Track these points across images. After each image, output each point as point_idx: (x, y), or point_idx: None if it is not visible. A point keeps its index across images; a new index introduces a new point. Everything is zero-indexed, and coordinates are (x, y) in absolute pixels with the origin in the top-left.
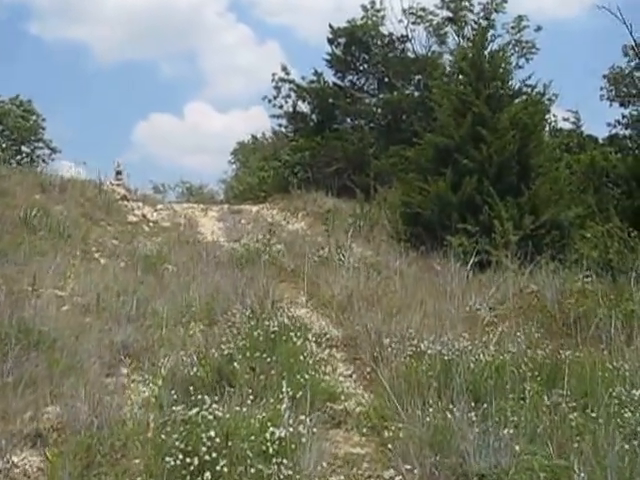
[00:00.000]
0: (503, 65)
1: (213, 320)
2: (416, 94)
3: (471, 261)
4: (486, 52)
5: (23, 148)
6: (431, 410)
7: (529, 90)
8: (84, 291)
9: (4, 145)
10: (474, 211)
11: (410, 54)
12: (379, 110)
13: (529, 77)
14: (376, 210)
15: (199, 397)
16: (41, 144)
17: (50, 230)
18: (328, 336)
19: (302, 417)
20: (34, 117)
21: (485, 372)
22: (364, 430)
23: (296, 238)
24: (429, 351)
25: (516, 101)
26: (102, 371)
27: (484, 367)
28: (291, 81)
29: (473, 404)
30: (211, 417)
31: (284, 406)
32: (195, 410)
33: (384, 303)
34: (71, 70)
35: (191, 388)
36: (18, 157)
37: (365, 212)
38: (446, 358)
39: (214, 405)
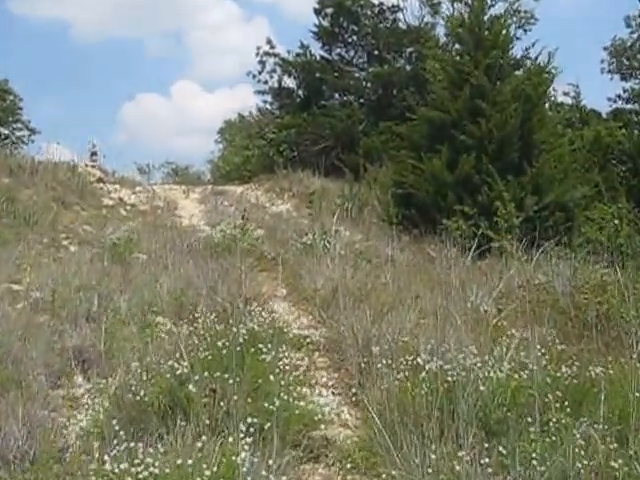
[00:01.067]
0: (504, 32)
1: (180, 317)
2: (408, 67)
3: (472, 248)
4: (485, 18)
5: (1, 129)
6: (433, 456)
7: (532, 59)
8: (43, 285)
9: None
10: (472, 191)
11: (402, 25)
12: (369, 85)
13: (533, 45)
14: (366, 190)
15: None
16: (20, 125)
17: (15, 217)
18: (308, 340)
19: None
20: (11, 97)
21: (498, 396)
22: (348, 466)
23: (279, 221)
24: (428, 366)
25: (518, 72)
26: (49, 383)
27: (496, 390)
28: (276, 55)
29: (484, 436)
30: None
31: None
32: (123, 465)
33: (373, 298)
34: (55, 49)
35: (138, 416)
36: None
37: (354, 193)
38: (449, 378)
39: (157, 446)
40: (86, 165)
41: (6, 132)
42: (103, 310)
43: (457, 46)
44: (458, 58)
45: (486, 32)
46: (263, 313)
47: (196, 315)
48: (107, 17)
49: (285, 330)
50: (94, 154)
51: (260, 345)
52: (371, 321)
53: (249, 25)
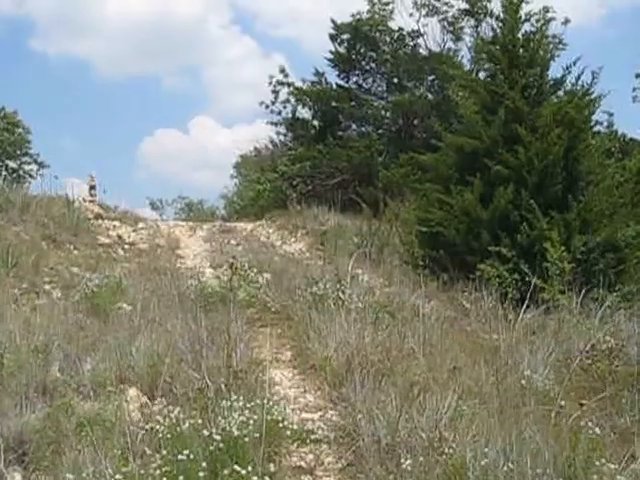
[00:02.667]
0: (541, 49)
1: (154, 395)
2: (430, 96)
3: (514, 297)
4: (519, 34)
5: (10, 164)
6: None
7: (572, 80)
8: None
9: None
10: (509, 230)
11: (422, 51)
12: (388, 114)
13: (574, 63)
14: (386, 228)
15: None
16: (28, 158)
17: None
18: (314, 436)
19: None
20: (20, 130)
21: None
22: None
23: (289, 263)
24: None
25: (558, 94)
26: None
27: None
28: (290, 84)
29: None
30: None
31: None
32: None
33: (399, 371)
34: (74, 86)
35: None
36: (4, 173)
37: (373, 231)
38: None
39: None
40: (84, 200)
41: (14, 166)
42: (65, 378)
43: (487, 65)
44: (489, 79)
45: (521, 49)
46: (255, 391)
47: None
48: (126, 54)
49: (283, 421)
50: (93, 188)
51: (238, 465)
52: (397, 407)
53: (267, 60)
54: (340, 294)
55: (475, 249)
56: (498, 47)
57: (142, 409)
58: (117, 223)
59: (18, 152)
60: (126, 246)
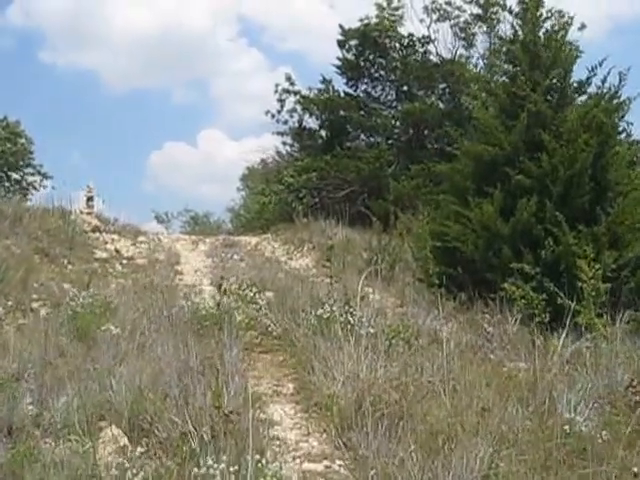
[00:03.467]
0: (565, 48)
1: (133, 437)
2: (441, 105)
3: (532, 314)
4: (541, 33)
5: (14, 175)
6: None
7: (598, 82)
8: None
9: None
10: (533, 245)
11: (433, 58)
12: (398, 123)
13: (600, 64)
14: (398, 243)
15: None
16: (31, 169)
17: None
18: None
19: None
20: (22, 141)
21: None
22: None
23: (294, 281)
24: None
25: (583, 97)
26: None
27: None
28: (296, 92)
29: None
30: None
31: None
32: None
33: (419, 413)
34: (83, 98)
35: None
36: (7, 184)
37: (384, 246)
38: None
39: None
40: (81, 212)
41: (17, 177)
42: (35, 415)
43: (505, 67)
44: (508, 82)
45: (542, 49)
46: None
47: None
48: (134, 66)
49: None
50: (90, 199)
51: None
52: (417, 465)
53: (274, 73)
54: (349, 317)
55: (495, 266)
56: (518, 46)
57: (119, 453)
58: (116, 236)
59: (21, 163)
60: (124, 261)
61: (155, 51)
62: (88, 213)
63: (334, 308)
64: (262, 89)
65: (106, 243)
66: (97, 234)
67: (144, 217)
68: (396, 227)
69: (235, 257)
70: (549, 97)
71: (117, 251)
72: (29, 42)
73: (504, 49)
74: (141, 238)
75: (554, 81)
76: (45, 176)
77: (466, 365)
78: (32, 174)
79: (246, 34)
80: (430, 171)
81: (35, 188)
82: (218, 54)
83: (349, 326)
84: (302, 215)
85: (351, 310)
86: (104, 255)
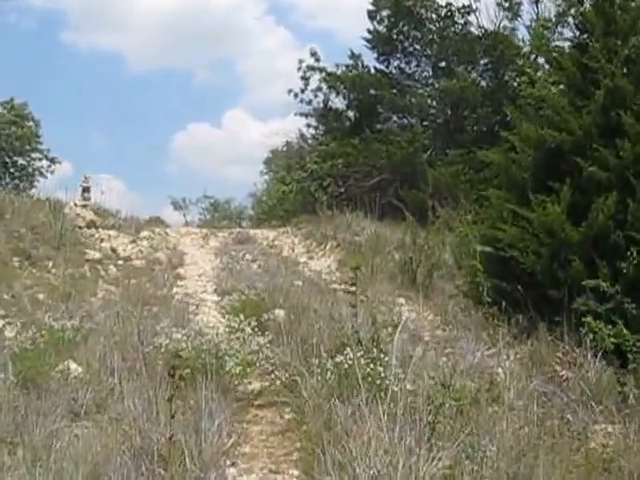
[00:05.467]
0: None
1: None
2: (483, 82)
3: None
4: None
5: (20, 160)
6: None
7: None
8: None
9: None
10: (611, 256)
11: (474, 30)
12: (435, 103)
13: None
14: (436, 243)
15: None
16: (38, 154)
17: None
18: None
19: None
20: (30, 124)
21: None
22: None
23: (312, 292)
24: None
25: None
26: None
27: None
28: (322, 69)
29: None
30: None
31: None
32: None
33: None
34: (105, 79)
35: None
36: (12, 170)
37: (420, 246)
38: None
39: None
40: (75, 205)
41: (23, 162)
42: None
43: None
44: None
45: (619, 12)
46: None
47: None
48: (158, 47)
49: None
50: (86, 190)
51: None
52: None
53: (302, 52)
54: (378, 366)
55: (562, 281)
56: (589, 8)
57: None
58: (113, 232)
59: (28, 147)
60: (120, 262)
61: (179, 30)
62: (83, 206)
63: (360, 349)
64: (289, 68)
65: (101, 241)
66: (92, 230)
67: (165, 202)
68: (433, 223)
69: (247, 257)
70: (628, 70)
71: (113, 250)
72: (50, 23)
73: (572, 11)
74: (144, 233)
75: (632, 51)
76: (53, 161)
77: (545, 451)
78: (40, 159)
79: (273, 12)
80: (471, 157)
81: (42, 174)
82: (244, 33)
83: (378, 381)
84: (326, 206)
85: (380, 347)
86: (97, 255)
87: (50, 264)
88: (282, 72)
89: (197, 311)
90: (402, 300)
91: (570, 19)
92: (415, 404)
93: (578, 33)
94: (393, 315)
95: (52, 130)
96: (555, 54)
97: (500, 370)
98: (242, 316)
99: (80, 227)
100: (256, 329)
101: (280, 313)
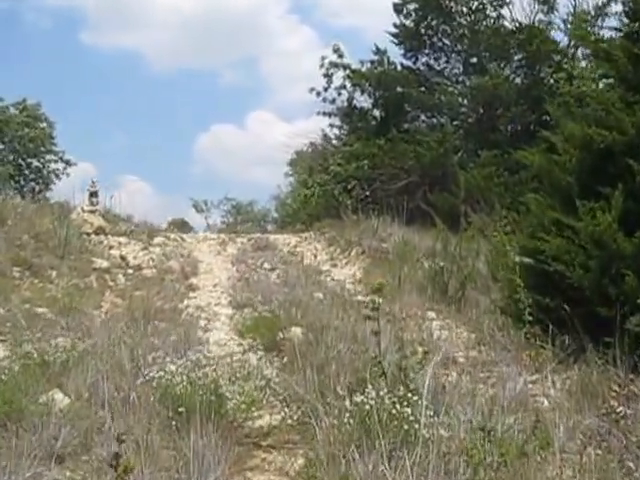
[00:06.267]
0: None
1: None
2: (517, 80)
3: None
4: None
5: (34, 162)
6: None
7: None
8: None
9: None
10: None
11: (507, 24)
12: (465, 101)
13: None
14: (469, 250)
15: None
16: (52, 156)
17: None
18: None
19: None
20: (43, 125)
21: None
22: None
23: (334, 306)
24: None
25: None
26: None
27: None
28: (346, 66)
29: None
30: None
31: None
32: None
33: None
34: (126, 80)
35: None
36: (26, 172)
37: (452, 255)
38: None
39: None
40: (83, 210)
41: (38, 164)
42: None
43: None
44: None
45: None
46: None
47: None
48: (180, 47)
49: None
50: (94, 195)
51: None
52: None
53: (326, 51)
54: (405, 409)
55: (613, 298)
56: None
57: None
58: (123, 239)
59: (42, 149)
60: (129, 271)
61: (201, 30)
62: (91, 212)
63: (382, 391)
64: (314, 68)
65: (110, 248)
66: (101, 237)
67: (189, 204)
68: (466, 229)
69: (266, 265)
70: None
71: (122, 258)
72: (69, 23)
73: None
74: (157, 240)
75: None
76: (69, 163)
77: None
78: (55, 161)
79: (297, 11)
80: (504, 158)
81: (57, 176)
82: (268, 32)
83: (405, 425)
84: (350, 211)
85: (408, 387)
86: (105, 264)
87: (53, 274)
88: (307, 72)
89: (208, 326)
90: (432, 314)
91: (618, 6)
92: (449, 452)
93: (628, 21)
94: (422, 332)
95: (73, 131)
96: (603, 44)
97: (545, 401)
98: (255, 335)
99: (88, 234)
100: (268, 352)
101: (297, 331)
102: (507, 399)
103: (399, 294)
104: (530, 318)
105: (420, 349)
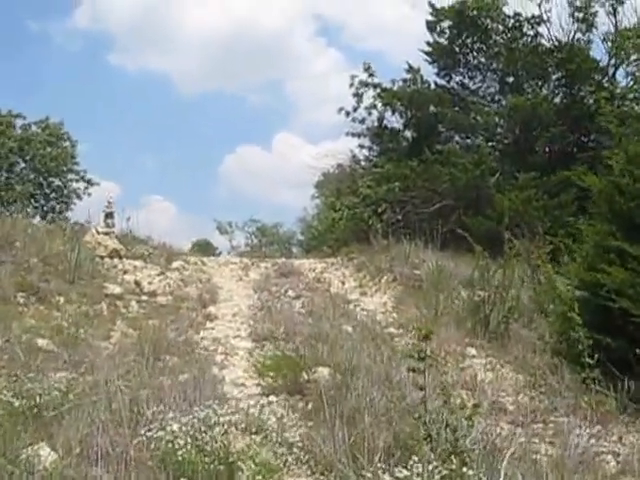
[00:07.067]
0: None
1: None
2: (556, 99)
3: None
4: None
5: (55, 181)
6: None
7: None
8: None
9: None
10: None
11: (545, 42)
12: (502, 122)
13: None
14: (512, 280)
15: None
16: (74, 175)
17: None
18: None
19: None
20: (66, 144)
21: None
22: None
23: (365, 341)
24: None
25: None
26: None
27: None
28: (376, 85)
29: None
30: None
31: None
32: None
33: None
34: (154, 102)
35: None
36: (47, 191)
37: (492, 284)
38: None
39: None
40: (97, 232)
41: (59, 184)
42: None
43: None
44: None
45: None
46: None
47: None
48: (207, 69)
49: None
50: (110, 216)
51: None
52: None
53: (353, 73)
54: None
55: None
56: None
57: None
58: (139, 263)
59: (63, 168)
60: (143, 297)
61: (228, 52)
62: (106, 233)
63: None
64: (341, 90)
65: (125, 272)
66: (115, 261)
67: (212, 225)
68: (505, 256)
69: (290, 293)
70: None
71: (137, 283)
72: (98, 45)
73: None
74: (176, 264)
75: None
76: (90, 182)
77: None
78: (76, 180)
79: (324, 33)
80: (544, 180)
81: (78, 196)
82: (294, 55)
83: None
84: (380, 235)
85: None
86: (117, 290)
87: (61, 300)
88: (333, 94)
89: (225, 362)
90: (473, 351)
91: None
92: None
93: None
94: (463, 370)
95: (101, 152)
96: None
97: (613, 461)
98: (276, 375)
99: (101, 257)
100: (290, 396)
101: (323, 372)
102: (569, 458)
103: (436, 326)
104: (590, 360)
105: (467, 400)
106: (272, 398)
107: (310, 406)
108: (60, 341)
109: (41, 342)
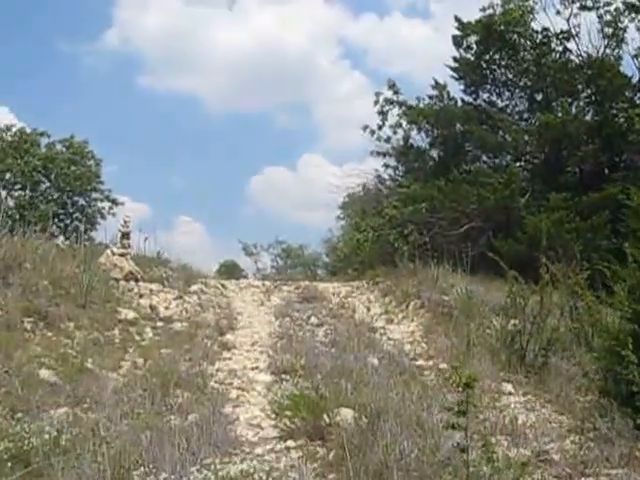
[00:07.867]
0: None
1: None
2: (587, 117)
3: None
4: None
5: (80, 201)
6: None
7: None
8: None
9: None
10: None
11: (574, 58)
12: (532, 140)
13: None
14: (548, 306)
15: None
16: (98, 194)
17: None
18: None
19: None
20: (90, 162)
21: None
22: None
23: (393, 376)
24: None
25: None
26: None
27: None
28: (401, 103)
29: None
30: None
31: None
32: None
33: None
34: (182, 122)
35: None
36: (71, 210)
37: (527, 313)
38: None
39: None
40: (112, 253)
41: (83, 203)
42: None
43: None
44: None
45: None
46: None
47: None
48: (233, 90)
49: None
50: (126, 236)
51: None
52: None
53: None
54: None
55: None
56: None
57: None
58: (156, 286)
59: (87, 188)
60: (159, 323)
61: (255, 74)
62: (122, 254)
63: None
64: (366, 113)
65: (140, 296)
66: (131, 283)
67: (239, 246)
68: (538, 282)
69: (313, 320)
70: None
71: (153, 308)
72: (128, 66)
73: None
74: (194, 287)
75: None
76: (115, 202)
77: None
78: (101, 200)
79: (348, 56)
80: (575, 201)
81: (102, 216)
82: (319, 77)
83: None
84: (407, 258)
85: None
86: (131, 315)
87: (71, 326)
88: (358, 117)
89: (240, 399)
90: (509, 387)
91: None
92: None
93: None
94: (501, 411)
95: (129, 173)
96: None
97: None
98: (295, 415)
99: (116, 279)
100: (310, 441)
101: (347, 415)
102: None
103: (467, 358)
104: None
105: (507, 448)
106: (290, 443)
107: (332, 455)
108: (65, 372)
109: (43, 373)
